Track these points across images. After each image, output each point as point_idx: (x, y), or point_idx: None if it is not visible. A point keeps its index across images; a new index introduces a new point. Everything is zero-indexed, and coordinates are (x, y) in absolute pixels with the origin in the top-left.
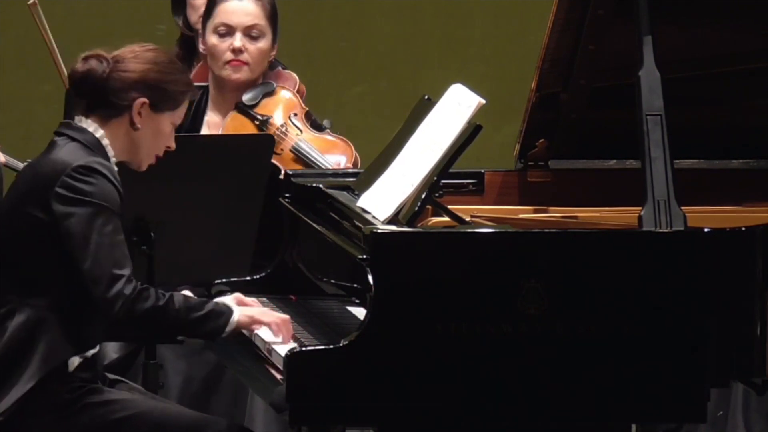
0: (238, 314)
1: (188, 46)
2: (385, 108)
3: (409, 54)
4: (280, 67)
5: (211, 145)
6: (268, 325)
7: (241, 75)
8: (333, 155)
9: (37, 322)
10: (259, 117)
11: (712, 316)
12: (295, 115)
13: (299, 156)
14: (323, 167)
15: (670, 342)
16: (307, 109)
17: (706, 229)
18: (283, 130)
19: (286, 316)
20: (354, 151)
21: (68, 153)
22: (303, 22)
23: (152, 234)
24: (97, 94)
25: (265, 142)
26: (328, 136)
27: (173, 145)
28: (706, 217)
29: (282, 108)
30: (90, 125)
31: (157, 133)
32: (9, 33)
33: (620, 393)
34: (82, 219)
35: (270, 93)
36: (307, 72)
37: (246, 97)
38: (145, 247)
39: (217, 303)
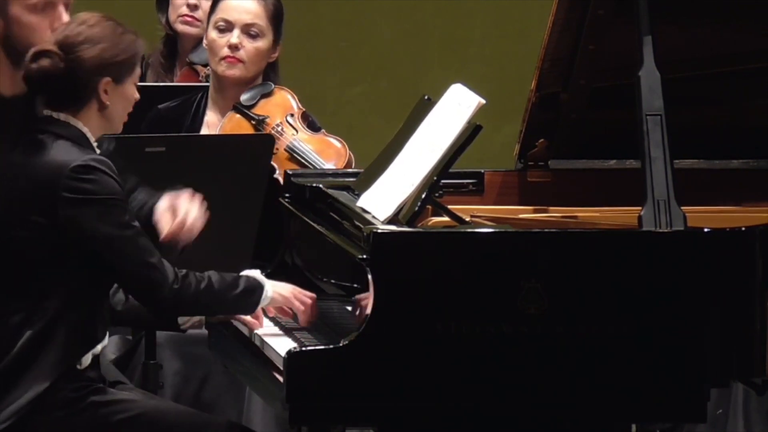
0: (271, 290)
1: (172, 46)
2: (385, 108)
3: (409, 54)
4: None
5: (211, 145)
6: (297, 309)
7: (236, 72)
8: (327, 154)
9: (51, 325)
10: (256, 117)
11: (712, 316)
12: (292, 115)
13: (293, 155)
14: (317, 166)
15: (670, 342)
16: (304, 109)
17: (706, 229)
18: (279, 129)
19: (310, 299)
20: (348, 151)
21: (60, 153)
22: (303, 22)
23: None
24: (58, 90)
25: (265, 142)
26: (323, 137)
27: (138, 97)
28: (706, 217)
29: (279, 108)
30: (68, 118)
31: (126, 100)
32: None
33: (620, 393)
34: (96, 219)
35: (268, 94)
36: (307, 72)
37: (244, 98)
38: None
39: (248, 278)
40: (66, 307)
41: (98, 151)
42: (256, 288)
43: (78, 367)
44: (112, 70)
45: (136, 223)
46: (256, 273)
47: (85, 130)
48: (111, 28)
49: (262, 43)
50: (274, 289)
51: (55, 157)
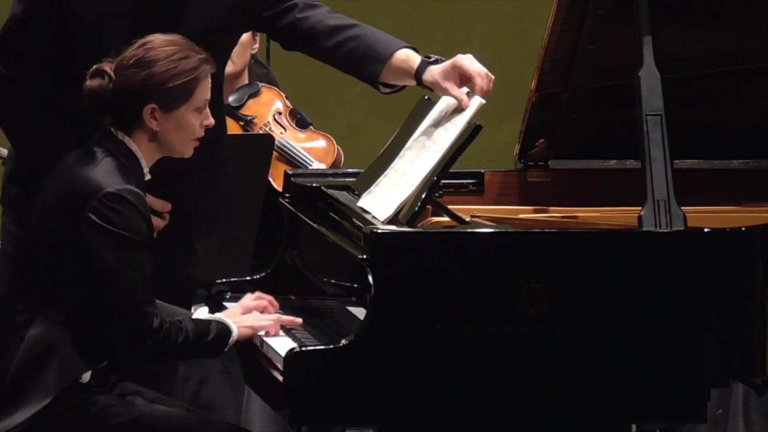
0: (237, 332)
1: None
2: (385, 108)
3: None
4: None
5: None
6: (264, 329)
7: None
8: (315, 151)
9: (54, 337)
10: (244, 118)
11: (712, 316)
12: (280, 113)
13: (282, 153)
14: (306, 164)
15: (670, 342)
16: (291, 107)
17: (706, 229)
18: (267, 129)
19: (274, 317)
20: (336, 147)
21: (103, 173)
22: None
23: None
24: (108, 110)
25: (265, 142)
26: (311, 134)
27: (212, 122)
28: (706, 217)
29: (267, 108)
30: (124, 137)
31: (182, 127)
32: None
33: (620, 393)
34: (111, 250)
35: (255, 93)
36: (307, 72)
37: (231, 99)
38: None
39: (218, 322)
40: (67, 323)
41: (147, 176)
42: (224, 333)
43: (80, 381)
44: (157, 96)
45: (147, 269)
46: (221, 317)
47: (137, 152)
48: (168, 52)
49: (242, 36)
50: (239, 326)
51: (96, 175)
